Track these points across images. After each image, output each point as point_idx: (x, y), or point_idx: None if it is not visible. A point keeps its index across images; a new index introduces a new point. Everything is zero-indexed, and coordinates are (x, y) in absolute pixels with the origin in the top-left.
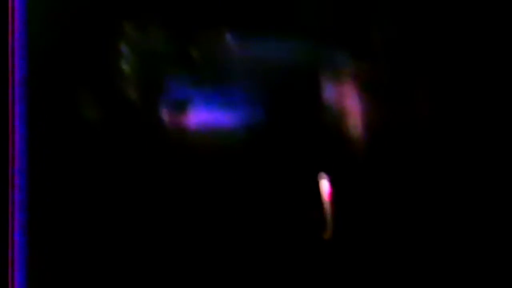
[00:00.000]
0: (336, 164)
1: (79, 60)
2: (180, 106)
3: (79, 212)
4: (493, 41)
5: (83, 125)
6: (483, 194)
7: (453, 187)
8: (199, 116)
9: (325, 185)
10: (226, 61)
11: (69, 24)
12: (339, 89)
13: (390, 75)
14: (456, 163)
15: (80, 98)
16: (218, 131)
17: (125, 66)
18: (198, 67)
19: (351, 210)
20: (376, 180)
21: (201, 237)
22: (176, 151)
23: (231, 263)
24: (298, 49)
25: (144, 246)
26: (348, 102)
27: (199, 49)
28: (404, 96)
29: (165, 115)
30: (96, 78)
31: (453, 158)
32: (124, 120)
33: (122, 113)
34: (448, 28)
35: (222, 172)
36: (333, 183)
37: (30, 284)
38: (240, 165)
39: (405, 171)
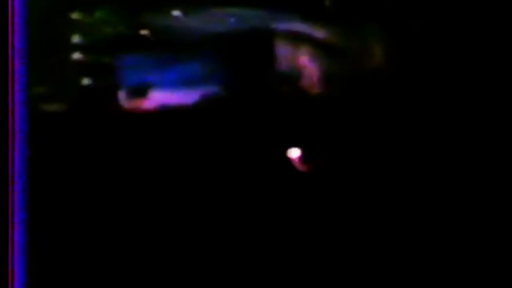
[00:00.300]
0: (300, 132)
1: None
2: (140, 91)
3: (76, 210)
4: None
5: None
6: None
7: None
8: (158, 98)
9: (294, 153)
10: (178, 38)
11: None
12: (296, 55)
13: (345, 37)
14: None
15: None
16: (178, 110)
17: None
18: (150, 48)
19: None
20: (337, 145)
21: (176, 224)
22: (139, 134)
23: (196, 245)
24: (250, 17)
25: (139, 242)
26: (306, 67)
27: (150, 29)
28: (361, 57)
29: (125, 100)
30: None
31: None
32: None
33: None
34: None
35: (185, 152)
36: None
37: (30, 284)
38: (203, 143)
39: (364, 135)
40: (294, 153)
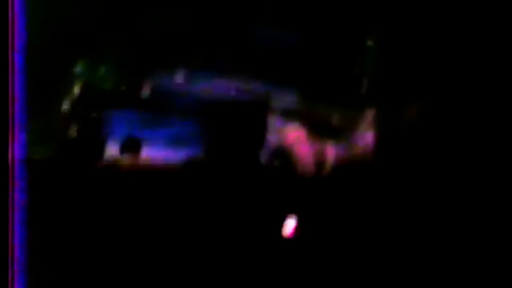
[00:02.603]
0: (285, 202)
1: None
2: (133, 145)
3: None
4: None
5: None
6: None
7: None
8: (150, 154)
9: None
10: (175, 99)
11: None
12: (287, 128)
13: (337, 114)
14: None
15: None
16: (168, 168)
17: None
18: (147, 105)
19: None
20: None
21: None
22: (129, 187)
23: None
24: (247, 88)
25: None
26: (296, 141)
27: (149, 87)
28: (353, 136)
29: (119, 153)
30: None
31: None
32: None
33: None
34: None
35: (173, 209)
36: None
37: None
38: (190, 204)
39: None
40: (289, 226)
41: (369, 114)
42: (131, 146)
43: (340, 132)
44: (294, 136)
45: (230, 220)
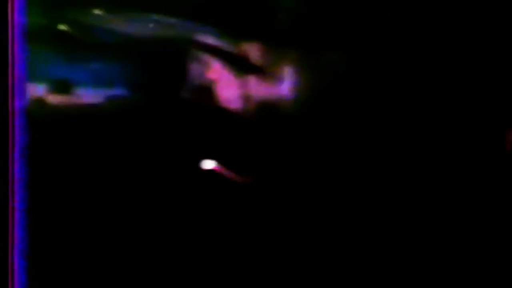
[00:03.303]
0: (209, 139)
1: None
2: (63, 87)
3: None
4: None
5: None
6: None
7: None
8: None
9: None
10: (94, 36)
11: None
12: (211, 66)
13: (261, 53)
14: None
15: None
16: (91, 109)
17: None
18: (67, 43)
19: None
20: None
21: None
22: (52, 128)
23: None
24: (169, 25)
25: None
26: (219, 77)
27: (70, 25)
28: (274, 75)
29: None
30: None
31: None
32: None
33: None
34: None
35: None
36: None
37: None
38: (115, 143)
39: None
40: (208, 165)
41: (293, 52)
42: (61, 87)
43: (263, 70)
44: (217, 72)
45: (155, 157)
